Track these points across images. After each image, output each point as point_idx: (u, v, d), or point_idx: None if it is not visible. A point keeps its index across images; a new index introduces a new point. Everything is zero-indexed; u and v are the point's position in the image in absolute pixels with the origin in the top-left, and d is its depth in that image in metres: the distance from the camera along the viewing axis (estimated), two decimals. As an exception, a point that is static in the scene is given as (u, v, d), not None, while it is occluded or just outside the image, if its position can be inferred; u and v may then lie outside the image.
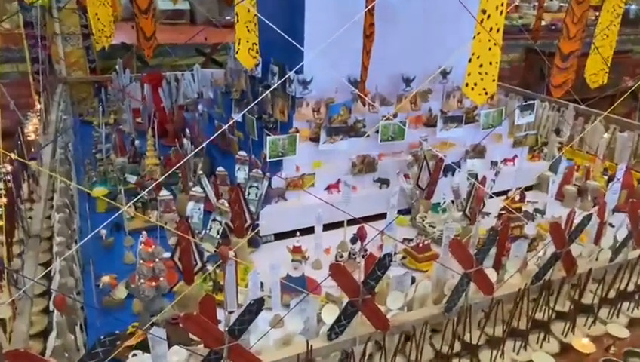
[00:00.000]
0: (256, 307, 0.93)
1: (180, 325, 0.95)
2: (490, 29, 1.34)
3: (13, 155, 1.47)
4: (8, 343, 1.06)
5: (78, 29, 3.26)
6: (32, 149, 2.10)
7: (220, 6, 5.24)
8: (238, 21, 1.33)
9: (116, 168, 2.12)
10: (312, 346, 1.02)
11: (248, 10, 1.31)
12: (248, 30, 1.35)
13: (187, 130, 2.32)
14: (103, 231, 1.68)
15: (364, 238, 1.53)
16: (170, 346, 1.02)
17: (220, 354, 0.92)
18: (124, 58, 3.17)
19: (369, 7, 1.60)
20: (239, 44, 1.40)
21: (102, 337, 0.82)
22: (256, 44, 1.38)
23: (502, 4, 1.32)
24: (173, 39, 3.71)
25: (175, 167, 1.37)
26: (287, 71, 2.00)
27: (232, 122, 2.17)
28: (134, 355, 1.08)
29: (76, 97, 3.09)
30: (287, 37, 1.26)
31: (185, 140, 2.08)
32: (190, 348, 1.10)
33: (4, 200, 1.49)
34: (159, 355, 1.01)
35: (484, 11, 1.33)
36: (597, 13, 1.72)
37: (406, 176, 1.99)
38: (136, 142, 2.31)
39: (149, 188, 1.70)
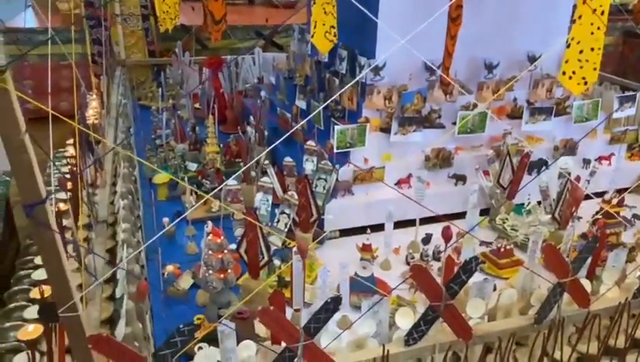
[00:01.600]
0: (333, 305, 0.96)
1: (256, 319, 1.00)
2: (594, 11, 1.31)
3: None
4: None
5: (138, 9, 3.39)
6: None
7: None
8: (314, 3, 1.35)
9: (177, 155, 2.20)
10: (388, 351, 1.04)
11: None
12: (325, 12, 1.38)
13: (250, 118, 2.38)
14: (166, 219, 1.75)
15: (449, 239, 1.51)
16: (237, 341, 1.07)
17: (294, 351, 0.96)
18: (184, 40, 3.27)
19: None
20: (315, 27, 1.43)
21: (181, 326, 0.87)
22: (334, 27, 1.41)
23: None
24: (231, 20, 3.80)
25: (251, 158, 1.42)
26: (357, 55, 2.02)
27: (296, 111, 2.21)
28: (200, 348, 1.13)
29: (134, 80, 3.20)
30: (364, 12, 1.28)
31: (249, 128, 2.14)
32: (262, 343, 1.15)
33: (70, 184, 1.59)
34: (228, 349, 1.06)
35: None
36: None
37: (485, 173, 1.97)
38: (196, 128, 2.40)
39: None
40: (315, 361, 0.99)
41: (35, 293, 1.42)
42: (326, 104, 1.92)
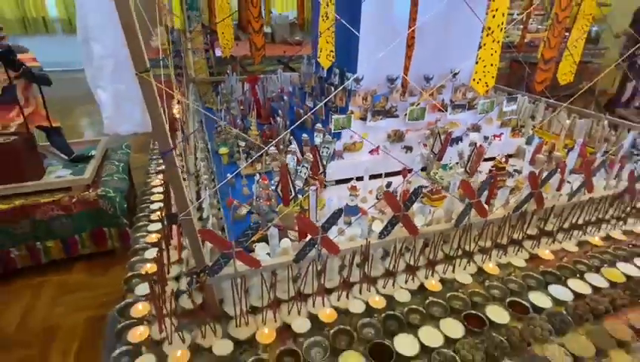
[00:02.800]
0: (338, 214, 1.03)
1: (295, 222, 1.05)
2: (493, 40, 1.34)
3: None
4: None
5: (202, 45, 3.35)
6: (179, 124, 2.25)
7: (291, 30, 5.22)
8: (321, 35, 1.37)
9: (232, 136, 2.20)
10: (369, 241, 1.12)
11: (328, 29, 1.36)
12: (327, 42, 1.39)
13: (276, 114, 2.37)
14: (229, 176, 1.79)
15: (405, 177, 1.55)
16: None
17: (315, 240, 1.04)
18: (232, 65, 3.24)
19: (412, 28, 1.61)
20: (320, 51, 1.43)
21: (251, 224, 0.94)
22: (332, 52, 1.41)
23: (502, 23, 1.31)
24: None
25: (276, 139, 1.44)
26: (345, 72, 1.98)
27: (306, 109, 2.21)
28: (257, 244, 1.20)
29: (201, 92, 3.16)
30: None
31: (278, 119, 2.15)
32: (293, 238, 1.22)
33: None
34: (274, 244, 1.13)
35: (489, 28, 1.32)
36: (567, 34, 1.65)
37: (424, 145, 1.98)
38: (244, 120, 2.41)
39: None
40: (327, 246, 1.06)
41: (155, 216, 1.47)
42: (325, 101, 1.94)
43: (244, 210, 1.53)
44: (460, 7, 1.69)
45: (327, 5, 1.26)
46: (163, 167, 1.90)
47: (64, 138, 1.78)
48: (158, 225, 1.40)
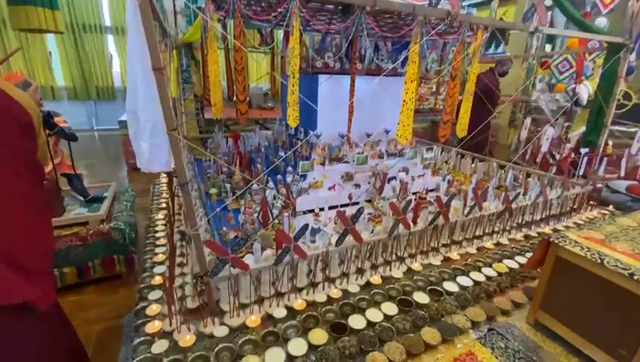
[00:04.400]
0: (305, 227, 1.23)
1: (274, 236, 1.22)
2: (408, 109, 1.66)
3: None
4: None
5: (193, 110, 3.55)
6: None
7: (264, 98, 5.60)
8: (289, 105, 1.60)
9: (220, 180, 2.35)
10: (328, 249, 1.32)
11: (292, 93, 1.61)
12: (293, 110, 1.64)
13: (255, 163, 2.55)
14: (217, 210, 1.92)
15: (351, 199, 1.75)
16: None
17: (289, 248, 1.22)
18: (218, 125, 3.44)
19: (352, 100, 1.94)
20: (289, 116, 1.65)
21: (239, 240, 1.12)
22: (297, 116, 1.62)
23: (412, 98, 1.63)
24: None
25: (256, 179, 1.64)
26: (308, 129, 2.22)
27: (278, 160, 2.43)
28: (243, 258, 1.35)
29: (191, 147, 3.29)
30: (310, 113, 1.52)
31: (258, 166, 2.33)
32: (271, 248, 1.37)
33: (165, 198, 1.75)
34: (258, 256, 1.30)
35: (404, 102, 1.62)
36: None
37: (368, 183, 2.16)
38: (229, 168, 2.58)
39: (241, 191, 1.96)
40: (298, 252, 1.25)
41: (160, 242, 1.57)
42: (293, 150, 2.16)
43: (232, 234, 1.65)
44: (387, 86, 2.07)
45: (294, 86, 1.53)
46: (164, 205, 2.02)
47: (83, 183, 1.88)
48: (164, 248, 1.52)
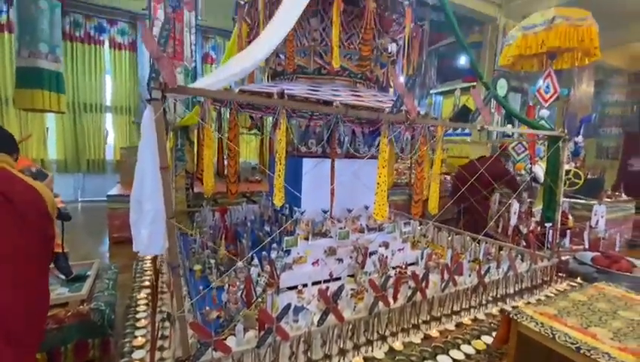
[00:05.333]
0: (287, 307, 1.28)
1: (257, 316, 1.24)
2: (382, 191, 1.84)
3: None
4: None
5: (184, 185, 3.68)
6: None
7: (252, 172, 5.87)
8: (275, 187, 1.76)
9: (205, 256, 2.35)
10: (310, 330, 1.34)
11: (279, 176, 1.76)
12: (279, 190, 1.79)
13: (241, 237, 2.61)
14: (200, 288, 1.92)
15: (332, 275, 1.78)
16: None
17: (272, 329, 1.24)
18: (206, 199, 3.56)
19: (333, 185, 2.13)
20: (276, 194, 1.78)
21: (222, 322, 1.15)
22: (283, 196, 1.75)
23: (385, 181, 1.84)
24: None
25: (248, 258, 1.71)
26: (293, 207, 2.34)
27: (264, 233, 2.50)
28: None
29: (177, 220, 3.34)
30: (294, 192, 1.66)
31: (243, 241, 2.40)
32: (253, 329, 1.37)
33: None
34: (241, 338, 1.31)
35: (378, 184, 1.81)
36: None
37: (351, 257, 2.22)
38: (214, 242, 2.62)
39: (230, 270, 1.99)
40: (280, 333, 1.27)
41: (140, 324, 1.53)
42: (281, 230, 2.25)
43: (214, 314, 1.64)
44: (364, 167, 2.28)
45: (280, 171, 1.71)
46: (147, 283, 2.00)
47: (68, 261, 1.88)
48: (144, 331, 1.48)
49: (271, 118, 2.98)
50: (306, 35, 2.33)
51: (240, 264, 1.88)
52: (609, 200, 4.51)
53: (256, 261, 1.91)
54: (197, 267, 2.24)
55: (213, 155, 2.10)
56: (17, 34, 4.28)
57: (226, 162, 2.44)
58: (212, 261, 2.27)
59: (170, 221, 1.02)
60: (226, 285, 1.68)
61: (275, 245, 2.13)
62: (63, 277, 1.83)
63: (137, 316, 1.64)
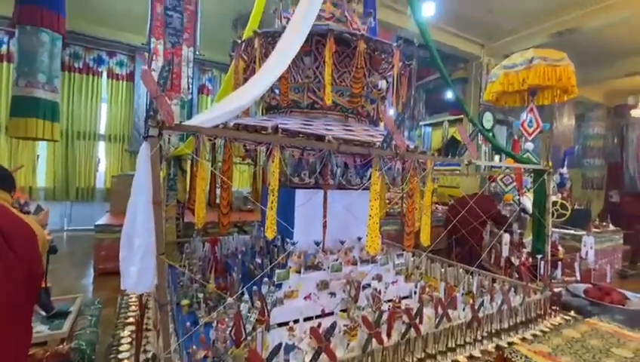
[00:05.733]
0: (278, 347, 1.24)
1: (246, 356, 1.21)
2: (374, 223, 1.85)
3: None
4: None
5: (174, 215, 3.64)
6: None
7: (244, 201, 5.84)
8: (268, 218, 1.75)
9: (193, 289, 2.28)
10: (302, 369, 1.29)
11: (271, 208, 1.76)
12: (271, 223, 1.78)
13: (231, 269, 2.55)
14: (187, 324, 1.85)
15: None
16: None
17: None
18: (197, 230, 3.49)
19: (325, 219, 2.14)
20: (268, 227, 1.77)
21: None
22: (275, 228, 1.71)
23: (376, 214, 1.85)
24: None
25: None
26: (285, 238, 2.32)
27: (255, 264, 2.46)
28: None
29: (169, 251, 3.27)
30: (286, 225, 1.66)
31: (233, 274, 2.34)
32: None
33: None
34: None
35: (370, 216, 1.84)
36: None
37: (343, 291, 2.18)
38: (203, 275, 2.55)
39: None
40: None
41: None
42: (274, 264, 2.22)
43: (201, 354, 1.55)
44: (357, 198, 2.30)
45: (272, 202, 1.72)
46: (131, 319, 1.92)
47: (50, 297, 1.80)
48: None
49: (265, 148, 3.03)
50: (300, 73, 2.44)
51: (230, 300, 1.82)
52: (597, 230, 4.58)
53: (246, 296, 1.85)
54: (184, 302, 2.17)
55: (206, 186, 2.10)
56: (16, 64, 4.36)
57: (218, 191, 2.44)
58: (200, 295, 2.22)
59: (160, 257, 1.01)
60: (215, 322, 1.62)
61: (266, 278, 2.09)
62: (43, 313, 1.75)
63: (120, 356, 1.56)
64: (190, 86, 3.80)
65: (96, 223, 4.18)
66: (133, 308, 2.10)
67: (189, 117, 4.23)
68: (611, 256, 4.55)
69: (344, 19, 2.46)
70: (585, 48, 7.13)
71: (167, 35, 3.58)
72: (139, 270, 1.01)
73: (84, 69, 7.10)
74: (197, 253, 3.05)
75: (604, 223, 4.96)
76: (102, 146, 7.44)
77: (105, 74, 7.33)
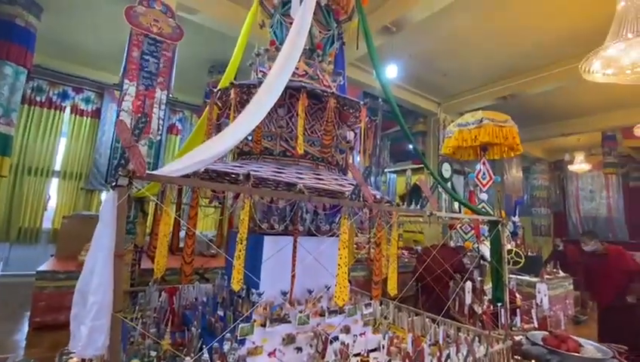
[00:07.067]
0: None
1: None
2: (344, 272, 1.85)
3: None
4: None
5: (130, 261, 3.37)
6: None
7: (207, 246, 5.54)
8: (235, 268, 1.68)
9: (145, 347, 2.07)
10: None
11: (239, 258, 1.70)
12: (238, 273, 1.71)
13: (190, 322, 2.35)
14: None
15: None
16: None
17: None
18: (154, 279, 3.24)
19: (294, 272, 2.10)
20: (234, 277, 1.69)
21: None
22: (241, 279, 1.66)
23: (345, 263, 1.87)
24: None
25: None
26: (251, 289, 2.17)
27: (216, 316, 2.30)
28: None
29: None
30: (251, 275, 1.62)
31: (192, 329, 2.16)
32: None
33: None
34: None
35: (339, 265, 1.85)
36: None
37: (310, 346, 2.11)
38: (158, 328, 2.33)
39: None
40: None
41: None
42: (241, 319, 2.10)
43: None
44: (327, 248, 2.29)
45: (240, 251, 1.68)
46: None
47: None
48: None
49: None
50: (273, 122, 2.54)
51: (188, 359, 1.67)
52: (549, 276, 4.86)
53: (206, 356, 1.71)
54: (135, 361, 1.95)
55: (169, 231, 2.01)
56: (-28, 96, 4.12)
57: (182, 234, 2.33)
58: (153, 353, 2.03)
59: (116, 315, 0.93)
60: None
61: (228, 335, 1.95)
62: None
63: None
64: (160, 128, 3.76)
65: (38, 269, 3.74)
66: (72, 371, 1.84)
67: (157, 157, 4.13)
68: (563, 302, 4.80)
69: (316, 77, 2.65)
70: (526, 111, 8.15)
71: (141, 78, 3.61)
72: (90, 330, 0.92)
73: (45, 103, 6.82)
74: (152, 303, 2.81)
75: (555, 270, 5.29)
76: (54, 183, 6.92)
77: (68, 109, 7.07)
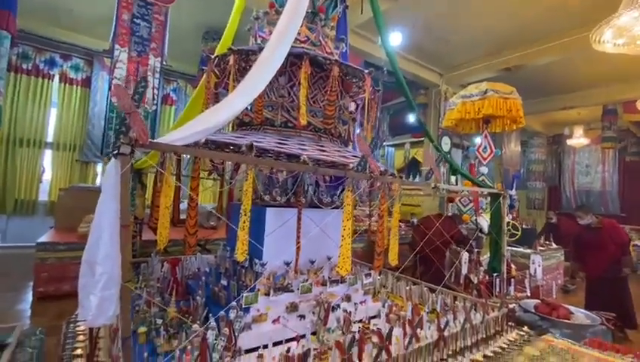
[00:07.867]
0: None
1: None
2: (347, 243, 1.86)
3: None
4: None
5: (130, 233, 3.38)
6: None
7: (208, 216, 5.59)
8: (239, 239, 1.69)
9: (151, 315, 2.11)
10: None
11: (243, 229, 1.70)
12: (243, 243, 1.72)
13: (194, 292, 2.39)
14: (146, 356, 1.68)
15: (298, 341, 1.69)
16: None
17: None
18: (156, 250, 3.25)
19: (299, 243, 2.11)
20: (239, 248, 1.69)
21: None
22: (246, 249, 1.66)
23: (349, 234, 1.87)
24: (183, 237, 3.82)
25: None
26: (254, 259, 2.22)
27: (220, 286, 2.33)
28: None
29: None
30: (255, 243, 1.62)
31: (197, 297, 2.20)
32: None
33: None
34: None
35: (343, 236, 1.86)
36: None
37: (313, 313, 2.14)
38: (162, 297, 2.36)
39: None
40: None
41: None
42: (251, 287, 2.13)
43: None
44: (327, 216, 2.30)
45: (244, 222, 1.66)
46: (79, 351, 1.72)
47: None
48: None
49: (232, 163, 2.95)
50: (274, 92, 2.45)
51: (195, 326, 1.71)
52: (542, 248, 4.99)
53: (213, 323, 1.75)
54: (141, 329, 1.99)
55: (170, 203, 1.99)
56: (-46, 63, 3.91)
57: (182, 206, 2.32)
58: (160, 321, 2.06)
59: (125, 285, 0.93)
60: (177, 351, 1.50)
61: (233, 304, 1.99)
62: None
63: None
64: (155, 97, 3.63)
65: (38, 241, 3.75)
66: (81, 338, 1.89)
67: (152, 128, 4.03)
68: (555, 272, 4.97)
69: (318, 43, 2.53)
70: (528, 83, 7.98)
71: (133, 44, 3.43)
72: (100, 300, 0.92)
73: (32, 71, 6.54)
74: (155, 274, 2.84)
75: (548, 242, 5.43)
76: (48, 155, 6.80)
77: (57, 77, 6.80)
